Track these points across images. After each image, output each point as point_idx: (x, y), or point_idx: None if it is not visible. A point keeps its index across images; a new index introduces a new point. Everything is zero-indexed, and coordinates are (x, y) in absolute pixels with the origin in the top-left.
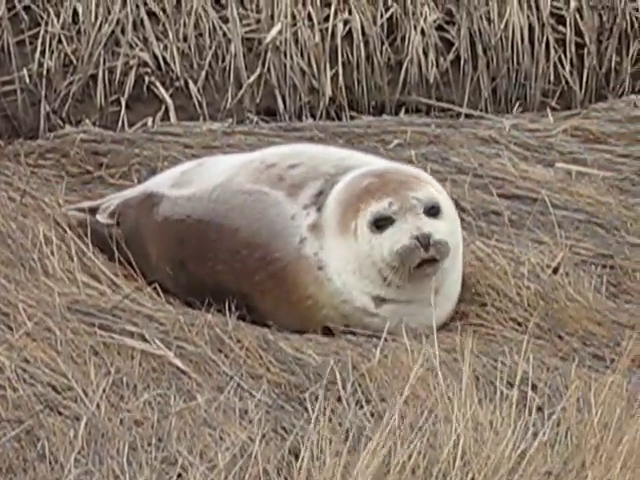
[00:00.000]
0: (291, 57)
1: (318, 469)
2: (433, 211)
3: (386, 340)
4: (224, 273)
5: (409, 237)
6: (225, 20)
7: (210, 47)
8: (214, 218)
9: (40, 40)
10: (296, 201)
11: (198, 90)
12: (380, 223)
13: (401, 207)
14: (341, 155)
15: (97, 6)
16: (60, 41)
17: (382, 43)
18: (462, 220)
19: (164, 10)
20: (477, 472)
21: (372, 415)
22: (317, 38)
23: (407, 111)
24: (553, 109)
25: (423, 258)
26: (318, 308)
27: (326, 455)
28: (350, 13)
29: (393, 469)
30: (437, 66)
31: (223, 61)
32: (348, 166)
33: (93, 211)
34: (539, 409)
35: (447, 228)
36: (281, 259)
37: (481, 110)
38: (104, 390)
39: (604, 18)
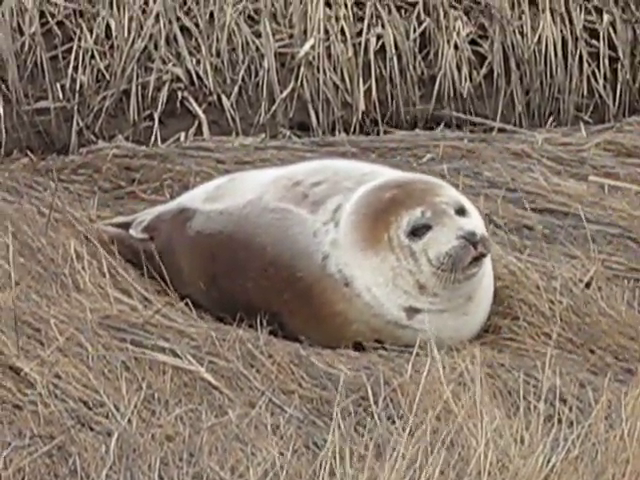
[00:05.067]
0: (324, 72)
1: None
2: (462, 211)
3: (418, 354)
4: (254, 290)
5: (456, 237)
6: (258, 35)
7: (243, 62)
8: (244, 235)
9: (73, 55)
10: (317, 217)
11: (231, 105)
12: (417, 232)
13: (434, 213)
14: (364, 170)
15: (130, 21)
16: (93, 56)
17: (415, 57)
18: (494, 234)
19: (197, 25)
20: None
21: (404, 430)
22: (350, 53)
23: (439, 125)
24: (586, 123)
25: (473, 256)
26: (348, 324)
27: (356, 469)
28: (383, 27)
29: None
30: (470, 80)
31: (256, 76)
32: (368, 181)
33: (126, 226)
34: (569, 423)
35: (481, 223)
36: (305, 278)
37: (514, 124)
38: (135, 405)
39: (637, 31)
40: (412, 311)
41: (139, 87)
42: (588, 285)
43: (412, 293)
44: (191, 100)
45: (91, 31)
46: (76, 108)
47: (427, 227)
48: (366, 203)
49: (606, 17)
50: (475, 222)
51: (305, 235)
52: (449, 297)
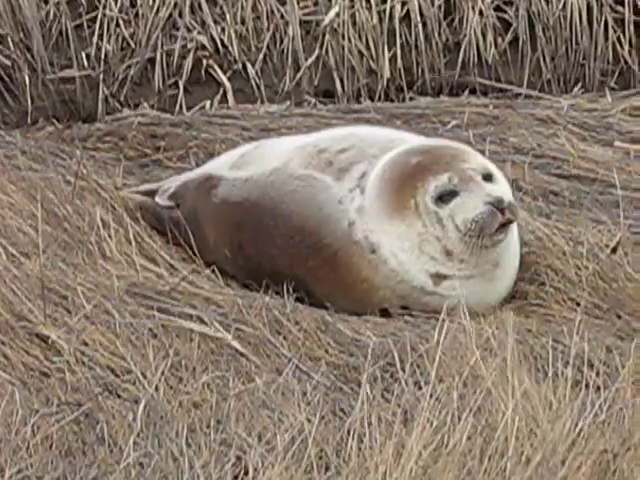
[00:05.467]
0: (349, 39)
1: (375, 450)
2: (489, 177)
3: (444, 321)
4: (280, 258)
5: (483, 204)
6: (283, 2)
7: (268, 30)
8: (269, 202)
9: (98, 24)
10: (342, 185)
11: (256, 73)
12: (444, 197)
13: (461, 179)
14: (391, 137)
15: None
16: (118, 25)
17: (440, 24)
18: (521, 200)
19: None
20: (534, 451)
21: (431, 396)
22: (375, 20)
23: (465, 92)
24: (612, 89)
25: (501, 222)
26: (374, 290)
27: (383, 436)
28: None
29: (449, 448)
30: (495, 47)
31: (281, 44)
32: (394, 148)
33: (152, 194)
34: (596, 388)
35: (508, 189)
36: (331, 245)
37: (539, 90)
38: (163, 373)
39: None
40: (438, 277)
41: (164, 55)
42: (614, 250)
43: (439, 259)
44: (216, 68)
45: None
46: (101, 76)
47: (454, 193)
48: (392, 169)
49: None
50: (502, 188)
51: (331, 202)
52: (476, 263)
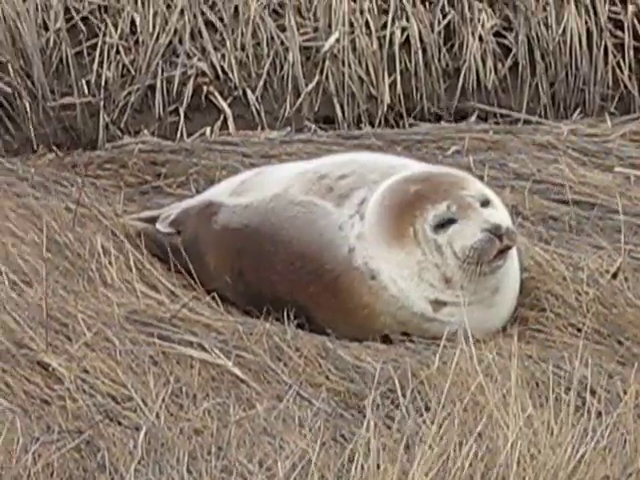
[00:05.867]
0: (349, 65)
1: (377, 476)
2: (487, 203)
3: (445, 347)
4: (280, 284)
5: (481, 231)
6: (283, 29)
7: (268, 56)
8: (270, 229)
9: (98, 51)
10: (342, 211)
11: (256, 99)
12: (442, 225)
13: (460, 206)
14: (392, 163)
15: (155, 16)
16: (118, 52)
17: (440, 50)
18: (521, 226)
19: (222, 19)
20: (535, 476)
21: (432, 422)
22: (375, 46)
23: (465, 118)
24: (611, 114)
25: (499, 249)
26: (375, 316)
27: (385, 462)
28: (408, 20)
29: (450, 474)
30: (495, 72)
31: (281, 70)
32: (394, 174)
33: (152, 221)
34: (598, 414)
35: (506, 215)
36: (332, 270)
37: (539, 116)
38: (163, 400)
39: None
40: (438, 304)
41: (164, 82)
42: (615, 276)
43: (438, 286)
44: (216, 94)
45: (116, 26)
46: (102, 103)
47: (452, 220)
48: (391, 197)
49: (631, 8)
50: (500, 214)
51: (331, 228)
52: (475, 290)
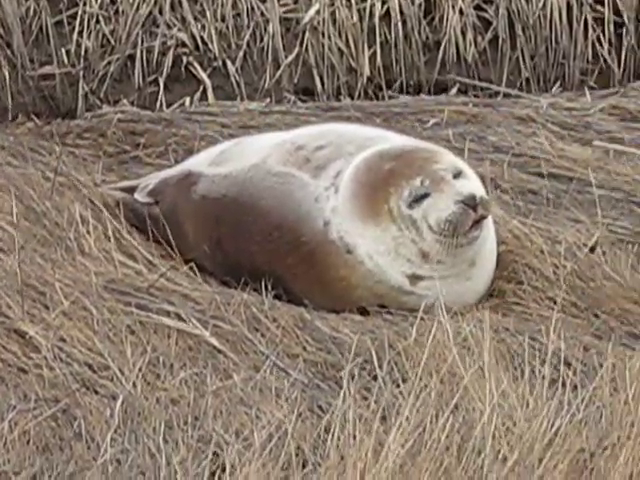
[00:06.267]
0: (329, 37)
1: (353, 447)
2: (459, 175)
3: (422, 319)
4: (258, 254)
5: (454, 202)
6: (263, 0)
7: (248, 27)
8: (248, 199)
9: (78, 20)
10: (319, 182)
11: (236, 70)
12: (417, 200)
13: (433, 180)
14: (369, 135)
15: None
16: (98, 21)
17: (420, 23)
18: (499, 199)
19: None
20: (511, 449)
21: (409, 394)
22: (355, 18)
23: (445, 90)
24: (591, 88)
25: (474, 219)
26: (352, 289)
27: (361, 433)
28: None
29: (426, 446)
30: (475, 45)
31: (261, 41)
32: (370, 146)
33: (131, 190)
34: (574, 387)
35: (479, 185)
36: (309, 242)
37: (519, 89)
38: (140, 369)
39: None
40: (416, 278)
41: (144, 52)
42: (592, 249)
43: (415, 261)
44: (196, 65)
45: None
46: (81, 73)
47: (426, 195)
48: (365, 173)
49: None
50: (473, 185)
51: (307, 200)
52: (452, 263)
